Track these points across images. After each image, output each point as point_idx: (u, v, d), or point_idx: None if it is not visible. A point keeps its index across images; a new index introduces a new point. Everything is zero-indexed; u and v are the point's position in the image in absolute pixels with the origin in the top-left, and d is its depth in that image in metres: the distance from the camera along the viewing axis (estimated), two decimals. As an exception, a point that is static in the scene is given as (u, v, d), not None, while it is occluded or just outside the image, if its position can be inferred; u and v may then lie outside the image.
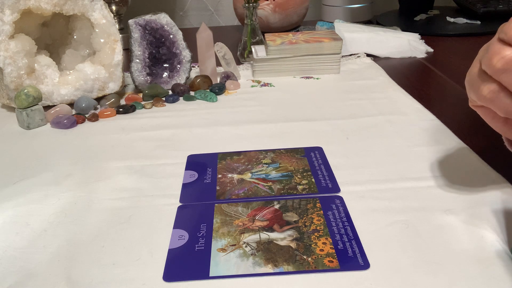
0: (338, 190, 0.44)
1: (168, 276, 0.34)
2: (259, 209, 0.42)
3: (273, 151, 0.52)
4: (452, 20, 1.02)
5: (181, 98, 0.69)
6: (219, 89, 0.70)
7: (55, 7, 0.64)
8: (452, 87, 0.69)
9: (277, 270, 0.34)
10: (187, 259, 0.36)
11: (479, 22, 1.00)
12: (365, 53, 0.84)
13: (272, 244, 0.37)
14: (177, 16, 1.22)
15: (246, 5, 0.78)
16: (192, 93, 0.70)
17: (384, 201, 0.42)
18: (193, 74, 0.75)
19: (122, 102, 0.69)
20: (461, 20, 1.01)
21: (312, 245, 0.37)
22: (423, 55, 0.84)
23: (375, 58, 0.83)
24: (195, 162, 0.50)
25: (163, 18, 0.70)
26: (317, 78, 0.75)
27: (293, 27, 1.03)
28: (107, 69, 0.67)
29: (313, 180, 0.46)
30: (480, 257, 0.35)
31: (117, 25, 0.79)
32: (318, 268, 0.34)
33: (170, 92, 0.70)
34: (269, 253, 0.36)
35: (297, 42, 0.75)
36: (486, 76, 0.32)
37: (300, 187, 0.45)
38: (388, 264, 0.34)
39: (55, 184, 0.47)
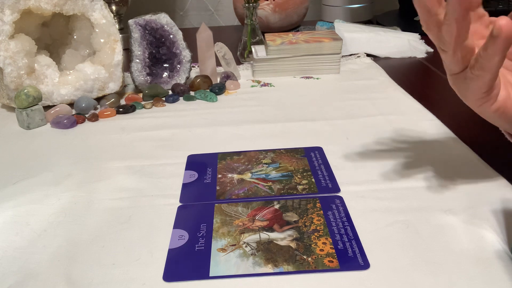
0: (338, 190, 0.44)
1: (168, 276, 0.34)
2: (259, 209, 0.42)
3: (273, 151, 0.52)
4: (452, 20, 1.02)
5: (181, 98, 0.69)
6: (219, 89, 0.70)
7: (55, 7, 0.64)
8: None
9: (277, 270, 0.34)
10: (187, 259, 0.36)
11: (479, 22, 0.99)
12: (365, 53, 0.84)
13: (272, 244, 0.37)
14: (177, 16, 1.22)
15: (246, 5, 0.78)
16: (192, 93, 0.70)
17: (384, 201, 0.42)
18: (193, 74, 0.75)
19: (122, 102, 0.69)
20: (461, 20, 1.01)
21: (312, 245, 0.37)
22: (423, 55, 0.84)
23: (375, 58, 0.83)
24: (195, 162, 0.50)
25: (163, 18, 0.70)
26: (317, 78, 0.75)
27: (293, 27, 1.03)
28: (107, 69, 0.67)
29: (313, 180, 0.46)
30: (480, 257, 0.35)
31: (117, 25, 0.79)
32: (318, 268, 0.34)
33: (170, 92, 0.70)
34: (269, 253, 0.36)
35: (297, 42, 0.75)
36: None
37: (300, 187, 0.45)
38: (388, 264, 0.34)
39: (55, 184, 0.47)
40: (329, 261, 0.35)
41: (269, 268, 0.35)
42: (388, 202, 0.42)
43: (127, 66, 0.71)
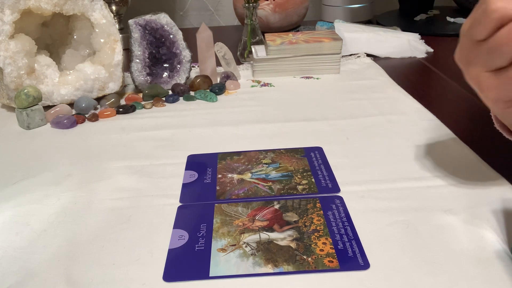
0: (338, 190, 0.44)
1: (168, 276, 0.34)
2: (259, 209, 0.42)
3: (273, 151, 0.52)
4: (452, 20, 1.02)
5: (181, 98, 0.69)
6: (219, 89, 0.70)
7: (55, 7, 0.64)
8: (452, 87, 0.69)
9: (277, 270, 0.34)
10: (187, 259, 0.36)
11: (479, 22, 0.99)
12: (365, 53, 0.84)
13: (272, 244, 0.37)
14: (177, 16, 1.22)
15: (246, 5, 0.78)
16: (192, 93, 0.70)
17: (384, 201, 0.42)
18: (193, 74, 0.75)
19: (122, 102, 0.69)
20: (461, 20, 1.01)
21: (312, 245, 0.37)
22: (423, 55, 0.84)
23: (375, 58, 0.83)
24: (195, 162, 0.50)
25: (163, 18, 0.70)
26: (317, 78, 0.75)
27: (293, 27, 1.03)
28: (107, 69, 0.67)
29: (313, 180, 0.46)
30: (480, 257, 0.35)
31: (117, 25, 0.79)
32: (318, 268, 0.34)
33: (170, 92, 0.70)
34: (269, 253, 0.36)
35: (297, 42, 0.75)
36: None
37: (300, 187, 0.45)
38: (388, 264, 0.34)
39: (55, 184, 0.47)
40: (329, 261, 0.35)
41: (269, 268, 0.35)
42: (388, 202, 0.42)
43: (127, 66, 0.71)
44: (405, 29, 0.94)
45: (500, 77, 0.32)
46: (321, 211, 0.41)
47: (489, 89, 0.33)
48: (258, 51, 0.77)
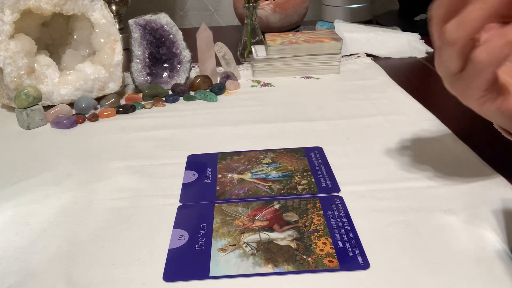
0: (338, 190, 0.44)
1: (168, 276, 0.34)
2: (259, 209, 0.42)
3: (273, 151, 0.52)
4: (452, 20, 1.02)
5: (181, 98, 0.69)
6: (219, 89, 0.70)
7: (55, 7, 0.64)
8: (452, 87, 0.69)
9: (277, 270, 0.34)
10: (187, 259, 0.36)
11: (479, 22, 0.99)
12: (365, 53, 0.84)
13: (272, 244, 0.37)
14: (177, 16, 1.22)
15: (246, 5, 0.78)
16: (192, 93, 0.70)
17: (384, 201, 0.42)
18: (193, 74, 0.75)
19: (122, 102, 0.69)
20: (461, 20, 1.01)
21: (312, 245, 0.37)
22: (423, 55, 0.84)
23: (375, 58, 0.83)
24: (195, 162, 0.50)
25: (163, 18, 0.70)
26: (317, 78, 0.75)
27: (293, 27, 1.03)
28: (107, 69, 0.67)
29: (313, 180, 0.46)
30: (480, 257, 0.35)
31: (117, 25, 0.79)
32: (318, 268, 0.34)
33: (170, 92, 0.70)
34: (269, 253, 0.36)
35: (297, 42, 0.75)
36: None
37: (300, 187, 0.45)
38: (388, 264, 0.34)
39: (55, 184, 0.47)
40: (329, 261, 0.35)
41: (269, 268, 0.35)
42: (388, 202, 0.42)
43: (127, 66, 0.71)
44: (405, 29, 0.94)
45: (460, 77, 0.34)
46: (321, 211, 0.41)
47: (460, 93, 0.36)
48: (258, 51, 0.77)
